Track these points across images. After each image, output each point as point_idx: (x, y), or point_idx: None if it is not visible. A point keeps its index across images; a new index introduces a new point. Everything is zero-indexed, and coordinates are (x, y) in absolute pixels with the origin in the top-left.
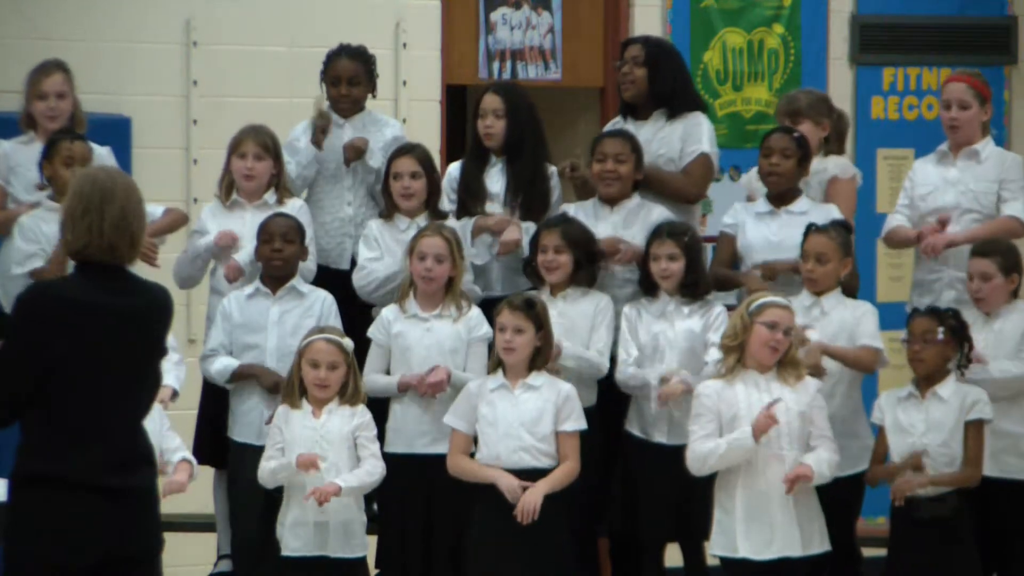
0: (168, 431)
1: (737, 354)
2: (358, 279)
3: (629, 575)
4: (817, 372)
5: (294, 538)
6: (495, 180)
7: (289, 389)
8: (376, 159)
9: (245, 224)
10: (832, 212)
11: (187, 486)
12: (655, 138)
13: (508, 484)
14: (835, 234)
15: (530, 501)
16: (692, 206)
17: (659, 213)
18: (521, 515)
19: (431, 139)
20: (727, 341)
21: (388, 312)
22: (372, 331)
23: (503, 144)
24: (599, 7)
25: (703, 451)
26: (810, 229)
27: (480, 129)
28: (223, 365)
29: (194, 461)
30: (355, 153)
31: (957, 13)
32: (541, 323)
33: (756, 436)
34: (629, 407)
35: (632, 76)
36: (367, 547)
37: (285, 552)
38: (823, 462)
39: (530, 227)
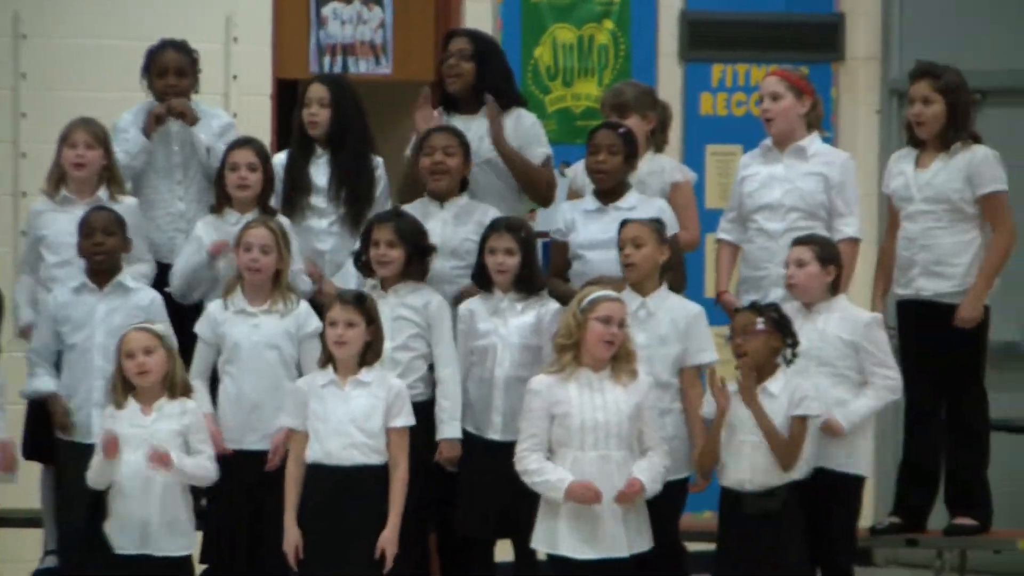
0: None
1: (572, 352)
2: (171, 282)
3: (459, 570)
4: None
5: (118, 535)
6: (320, 173)
7: (114, 389)
8: (215, 156)
9: (76, 222)
10: (662, 207)
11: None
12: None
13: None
14: (648, 222)
15: (392, 552)
16: (521, 204)
17: (493, 215)
18: (386, 566)
19: (262, 134)
20: (561, 340)
21: (213, 307)
22: (198, 327)
23: (327, 134)
24: (430, 2)
25: (526, 466)
26: (623, 224)
27: (304, 118)
28: (34, 388)
29: (14, 442)
30: (179, 115)
31: (785, 10)
32: (372, 318)
33: (567, 497)
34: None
35: (459, 69)
36: (193, 545)
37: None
38: (655, 474)
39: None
